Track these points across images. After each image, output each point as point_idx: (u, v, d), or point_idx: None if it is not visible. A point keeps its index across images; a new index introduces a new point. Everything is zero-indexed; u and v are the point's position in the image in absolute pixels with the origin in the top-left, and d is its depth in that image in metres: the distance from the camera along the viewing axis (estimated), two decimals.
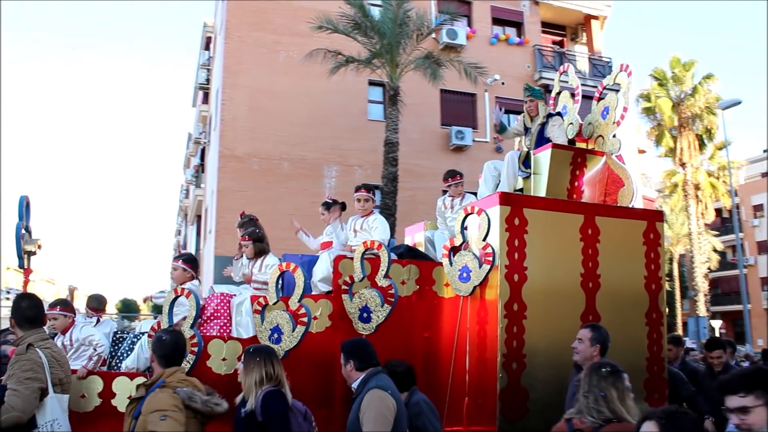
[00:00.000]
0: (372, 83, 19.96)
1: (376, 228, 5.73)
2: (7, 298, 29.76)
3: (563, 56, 23.71)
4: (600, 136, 6.19)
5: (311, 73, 18.00)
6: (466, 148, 20.77)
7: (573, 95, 6.58)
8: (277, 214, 13.26)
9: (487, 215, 5.14)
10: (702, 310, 25.76)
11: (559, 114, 6.27)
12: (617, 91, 6.12)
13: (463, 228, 5.31)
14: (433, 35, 19.20)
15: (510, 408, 4.95)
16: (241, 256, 5.77)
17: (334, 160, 19.42)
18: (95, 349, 5.02)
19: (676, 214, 33.22)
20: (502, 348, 5.00)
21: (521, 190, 6.18)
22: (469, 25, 22.40)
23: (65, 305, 5.29)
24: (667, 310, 5.70)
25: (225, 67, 19.64)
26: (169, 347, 3.73)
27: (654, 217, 5.74)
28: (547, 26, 24.84)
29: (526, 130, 6.46)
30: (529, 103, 6.34)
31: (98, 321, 6.00)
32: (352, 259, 5.20)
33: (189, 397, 3.44)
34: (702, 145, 26.13)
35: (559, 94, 6.84)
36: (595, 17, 25.03)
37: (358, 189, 6.03)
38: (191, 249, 28.44)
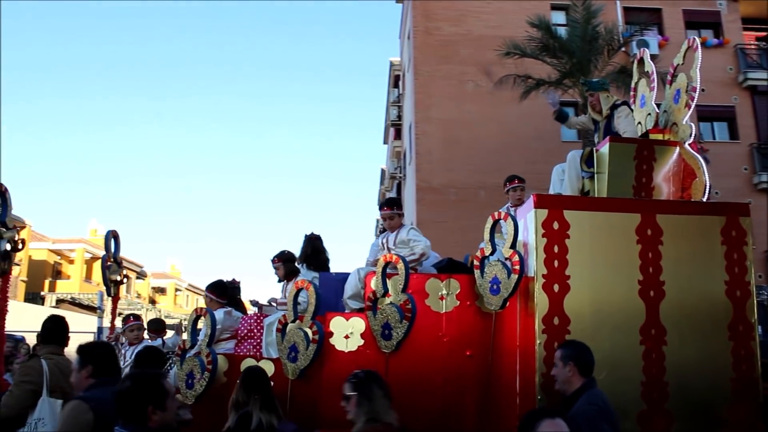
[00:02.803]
0: (563, 104, 19.36)
1: (415, 239, 5.46)
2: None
3: None
4: (674, 123, 5.40)
5: (500, 99, 18.12)
6: None
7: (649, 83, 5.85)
8: (477, 242, 13.30)
9: (513, 220, 4.71)
10: None
11: (625, 103, 5.61)
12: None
13: (493, 236, 4.90)
14: (624, 48, 18.35)
15: None
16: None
17: (530, 185, 18.81)
18: None
19: None
20: (541, 367, 4.49)
21: (588, 192, 5.58)
22: (661, 32, 21.14)
23: (137, 318, 5.83)
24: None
25: (416, 102, 20.34)
26: (140, 362, 3.99)
27: (736, 211, 4.85)
28: (749, 22, 22.59)
29: (596, 125, 5.87)
30: (590, 97, 5.76)
31: (163, 343, 6.46)
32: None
33: None
34: None
35: (637, 84, 6.12)
36: None
37: (380, 208, 5.69)
38: None
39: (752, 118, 20.96)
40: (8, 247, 4.65)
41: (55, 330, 4.46)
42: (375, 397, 3.32)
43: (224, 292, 5.69)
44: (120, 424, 2.62)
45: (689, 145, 5.18)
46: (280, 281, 5.83)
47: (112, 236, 6.35)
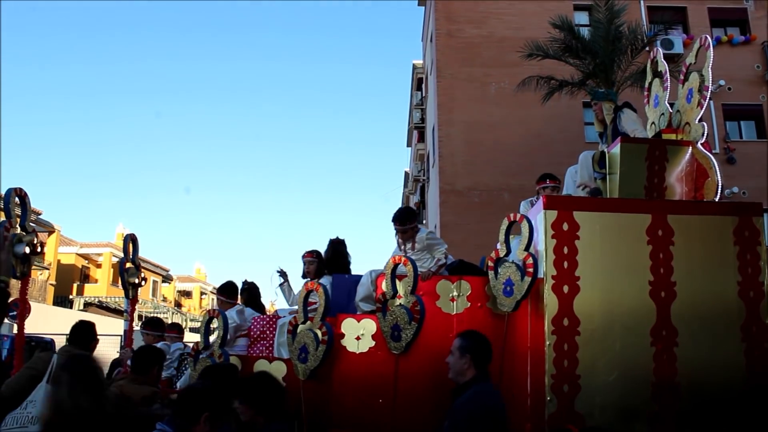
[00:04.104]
0: (587, 105, 19.26)
1: (435, 243, 5.51)
2: None
3: None
4: (687, 123, 5.37)
5: (524, 101, 18.07)
6: None
7: (662, 83, 5.82)
8: None
9: (528, 222, 4.72)
10: None
11: (626, 105, 5.59)
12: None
13: (508, 237, 4.91)
14: (647, 48, 18.22)
15: None
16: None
17: None
18: None
19: None
20: (550, 368, 4.50)
21: (601, 193, 5.56)
22: (685, 31, 20.82)
23: (147, 324, 5.98)
24: None
25: (439, 105, 20.36)
26: (134, 359, 4.14)
27: (749, 211, 4.80)
28: None
29: (601, 134, 5.88)
30: (594, 107, 5.77)
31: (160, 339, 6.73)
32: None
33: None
34: None
35: (651, 83, 6.09)
36: None
37: (393, 222, 5.61)
38: None
39: None
40: (27, 250, 4.78)
41: (79, 334, 4.71)
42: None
43: (234, 293, 5.82)
44: (166, 422, 2.70)
45: (702, 144, 5.15)
46: (304, 277, 5.93)
47: (131, 239, 6.48)
